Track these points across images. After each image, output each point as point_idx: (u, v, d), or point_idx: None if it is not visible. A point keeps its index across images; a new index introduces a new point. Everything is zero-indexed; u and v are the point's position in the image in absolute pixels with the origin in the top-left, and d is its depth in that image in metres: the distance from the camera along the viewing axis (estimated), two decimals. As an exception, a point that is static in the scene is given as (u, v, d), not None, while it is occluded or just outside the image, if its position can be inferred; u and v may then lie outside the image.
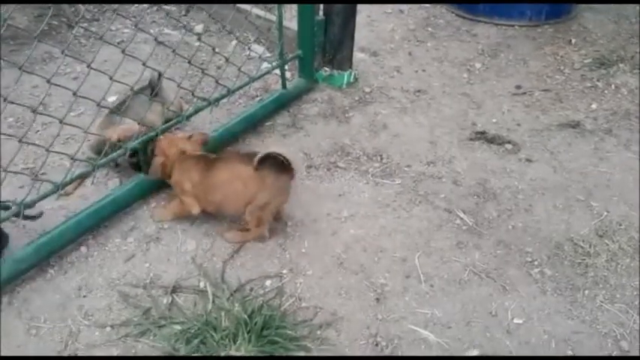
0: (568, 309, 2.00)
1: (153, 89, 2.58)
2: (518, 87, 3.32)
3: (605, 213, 2.40)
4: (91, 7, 3.86)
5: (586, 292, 2.06)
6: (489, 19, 4.05)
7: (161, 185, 2.44)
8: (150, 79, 2.60)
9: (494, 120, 3.01)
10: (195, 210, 2.22)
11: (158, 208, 2.38)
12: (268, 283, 2.08)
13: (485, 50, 3.71)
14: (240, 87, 2.82)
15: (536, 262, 2.17)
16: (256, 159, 2.04)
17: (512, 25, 4.01)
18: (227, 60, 2.77)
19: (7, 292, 2.01)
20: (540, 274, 2.13)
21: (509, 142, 2.81)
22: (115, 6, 3.87)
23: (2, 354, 1.84)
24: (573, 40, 3.83)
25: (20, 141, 1.89)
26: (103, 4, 3.91)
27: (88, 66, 2.03)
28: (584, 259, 2.18)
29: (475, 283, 2.09)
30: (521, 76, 3.44)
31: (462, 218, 2.36)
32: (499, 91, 3.28)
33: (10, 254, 2.06)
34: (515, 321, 1.95)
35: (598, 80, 3.38)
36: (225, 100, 2.88)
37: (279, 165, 2.05)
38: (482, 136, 2.85)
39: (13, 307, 1.97)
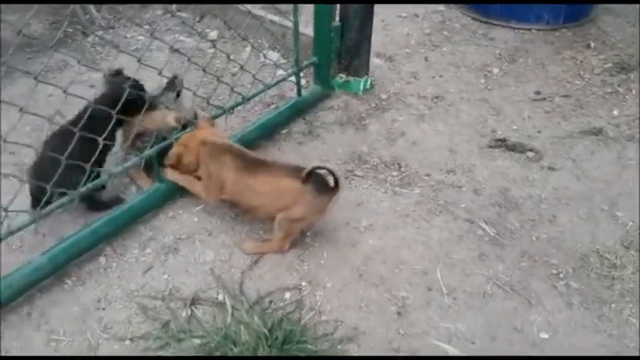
0: (595, 323, 1.96)
1: (178, 93, 2.57)
2: (537, 92, 3.27)
3: (631, 223, 2.35)
4: (106, 14, 3.86)
5: (613, 305, 2.02)
6: (506, 23, 3.99)
7: (178, 194, 2.43)
8: (169, 82, 2.58)
9: (514, 127, 2.96)
10: (209, 200, 2.27)
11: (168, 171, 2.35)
12: (287, 295, 2.05)
13: (502, 55, 3.66)
14: (255, 94, 2.80)
15: (561, 275, 2.13)
16: (305, 172, 2.04)
17: (530, 29, 3.95)
18: (242, 67, 2.75)
19: (25, 303, 2.00)
20: (566, 286, 2.08)
21: (530, 150, 2.76)
22: (130, 13, 3.87)
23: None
24: (592, 44, 3.77)
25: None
26: (118, 12, 3.90)
27: (104, 75, 2.02)
28: (611, 271, 2.13)
29: (499, 297, 2.05)
30: (540, 81, 3.39)
31: (483, 229, 2.32)
32: (518, 97, 3.23)
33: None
34: (541, 335, 1.91)
35: (619, 85, 3.32)
36: (240, 108, 2.85)
37: (322, 182, 2.07)
38: (502, 143, 2.81)
39: (32, 319, 1.96)
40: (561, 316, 1.98)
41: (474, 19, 4.09)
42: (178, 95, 2.59)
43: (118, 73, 2.46)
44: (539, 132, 2.93)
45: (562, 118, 3.05)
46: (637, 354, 1.86)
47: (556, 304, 2.02)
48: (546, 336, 1.91)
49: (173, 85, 2.57)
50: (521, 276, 2.12)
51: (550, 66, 3.55)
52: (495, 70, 3.48)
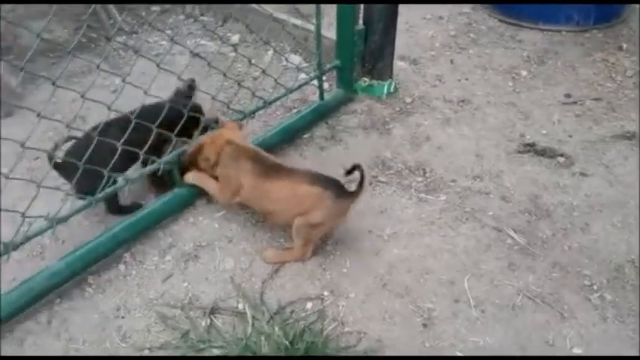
0: (630, 337, 1.87)
1: (190, 96, 2.55)
2: (567, 95, 3.16)
3: (668, 232, 2.24)
4: (129, 19, 3.86)
5: (649, 318, 1.92)
6: (534, 25, 3.88)
7: (198, 200, 2.40)
8: (179, 89, 2.56)
9: (543, 131, 2.86)
10: (222, 201, 2.25)
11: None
12: (309, 305, 2.00)
13: (531, 57, 3.55)
14: (277, 99, 2.76)
15: (595, 286, 2.04)
16: (349, 168, 2.06)
17: (559, 31, 3.84)
18: (264, 71, 2.71)
19: (45, 310, 1.99)
20: (600, 299, 1.99)
21: (561, 155, 2.66)
22: (153, 18, 3.86)
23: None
24: (624, 46, 3.64)
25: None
26: (141, 17, 3.91)
27: (124, 80, 2.00)
28: (647, 283, 2.03)
29: (529, 309, 1.96)
30: (570, 84, 3.28)
31: (512, 237, 2.24)
32: (548, 100, 3.13)
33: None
34: (575, 350, 1.83)
35: (653, 88, 3.20)
36: (261, 112, 2.81)
37: (340, 186, 2.05)
38: (531, 148, 2.71)
39: (52, 327, 1.95)
40: (595, 329, 1.90)
41: (501, 20, 3.99)
42: (190, 98, 2.57)
43: (192, 83, 2.49)
44: (570, 136, 2.83)
45: (593, 122, 2.94)
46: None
47: (590, 317, 1.94)
48: (580, 351, 1.83)
49: (189, 89, 2.55)
50: (552, 287, 2.04)
51: (580, 68, 3.44)
52: (523, 73, 3.38)
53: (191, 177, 2.32)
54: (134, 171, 2.29)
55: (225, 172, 2.20)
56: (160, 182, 2.43)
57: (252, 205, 2.23)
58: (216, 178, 2.26)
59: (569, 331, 1.89)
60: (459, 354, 1.82)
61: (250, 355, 1.78)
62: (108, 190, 2.11)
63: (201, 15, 4.03)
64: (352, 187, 2.05)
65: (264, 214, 2.22)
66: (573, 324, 1.91)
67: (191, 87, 2.58)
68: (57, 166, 2.14)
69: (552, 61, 3.51)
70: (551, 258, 2.15)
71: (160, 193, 2.41)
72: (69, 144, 2.22)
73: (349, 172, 2.06)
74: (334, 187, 2.05)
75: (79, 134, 2.18)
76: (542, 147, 2.72)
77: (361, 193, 2.05)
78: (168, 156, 2.26)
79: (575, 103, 3.10)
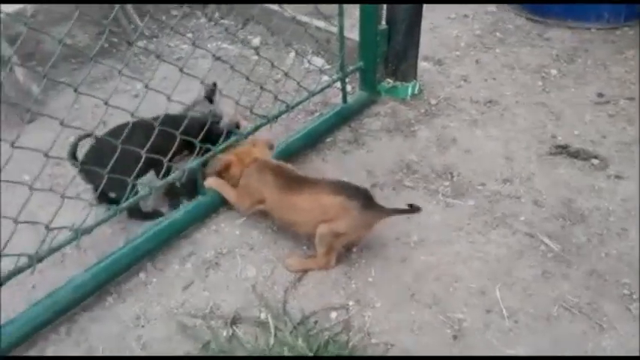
0: (674, 349, 1.76)
1: (211, 100, 2.52)
2: (600, 95, 3.04)
3: None
4: (150, 23, 3.85)
5: (694, 330, 1.81)
6: (563, 22, 3.77)
7: (219, 209, 2.36)
8: (198, 97, 2.54)
9: (576, 132, 2.75)
10: (246, 205, 2.22)
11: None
12: (334, 315, 1.93)
13: (560, 55, 3.44)
14: (300, 102, 2.70)
15: (634, 295, 1.93)
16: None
17: (589, 28, 3.71)
18: (286, 74, 2.65)
19: (65, 320, 1.96)
20: (641, 309, 1.89)
21: (595, 157, 2.55)
22: (174, 22, 3.85)
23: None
24: (658, 43, 3.51)
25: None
26: (162, 22, 3.90)
27: (146, 86, 1.96)
28: (691, 292, 1.92)
29: (566, 320, 1.87)
30: (602, 82, 3.16)
31: (546, 244, 2.14)
32: (579, 100, 3.01)
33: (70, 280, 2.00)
34: (615, 364, 1.73)
35: (689, 86, 3.06)
36: (283, 116, 2.76)
37: (368, 198, 2.01)
38: (564, 150, 2.61)
39: (72, 338, 1.92)
40: (636, 341, 1.79)
41: (527, 19, 3.89)
42: (211, 101, 2.54)
43: (214, 86, 2.47)
44: (604, 137, 2.72)
45: (627, 122, 2.82)
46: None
47: (629, 329, 1.83)
48: (620, 364, 1.73)
49: (212, 93, 2.52)
50: (590, 297, 1.93)
51: (612, 66, 3.31)
52: (553, 72, 3.27)
53: (212, 182, 2.30)
54: (158, 180, 2.26)
55: (246, 181, 2.20)
56: (173, 192, 2.41)
57: (275, 216, 2.19)
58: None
59: (609, 342, 1.79)
60: (491, 367, 1.74)
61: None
62: (132, 199, 2.08)
63: (222, 18, 4.01)
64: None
65: (288, 225, 2.17)
66: (612, 335, 1.81)
67: (212, 91, 2.54)
68: (79, 168, 2.14)
69: (582, 60, 3.40)
70: (587, 265, 2.05)
71: (173, 202, 2.40)
72: (85, 143, 2.22)
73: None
74: (361, 197, 1.99)
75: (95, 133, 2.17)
76: (575, 148, 2.61)
77: (392, 214, 2.03)
78: (192, 164, 2.22)
79: (607, 102, 2.99)
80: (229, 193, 2.27)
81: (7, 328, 1.82)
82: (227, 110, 2.60)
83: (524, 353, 1.77)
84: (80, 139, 2.19)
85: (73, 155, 2.16)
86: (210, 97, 2.54)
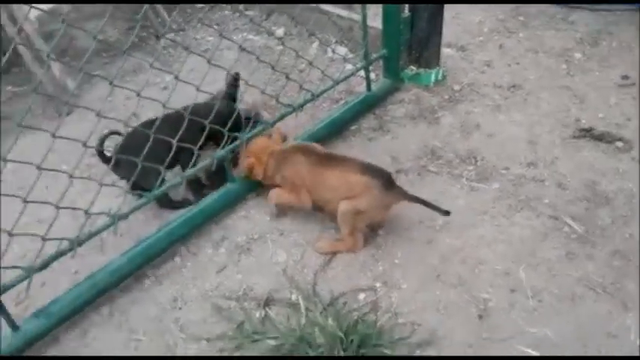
0: (699, 328, 1.79)
1: (231, 94, 2.56)
2: (624, 77, 3.03)
3: None
4: (177, 17, 3.93)
5: None
6: (587, 5, 3.73)
7: (248, 194, 2.44)
8: (230, 80, 2.58)
9: (600, 115, 2.76)
10: (308, 204, 2.23)
11: (270, 204, 2.36)
12: (361, 296, 2.00)
13: (584, 38, 3.42)
14: (324, 91, 2.74)
15: (659, 275, 1.95)
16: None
17: (613, 11, 3.67)
18: (310, 63, 2.71)
19: (106, 303, 2.06)
20: (664, 288, 1.91)
21: (619, 140, 2.56)
22: (200, 15, 3.93)
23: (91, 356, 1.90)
24: (685, 23, 3.46)
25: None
26: (188, 15, 3.98)
27: (176, 77, 2.04)
28: None
29: (590, 299, 1.90)
30: (627, 65, 3.14)
31: (570, 226, 2.17)
32: (603, 83, 3.01)
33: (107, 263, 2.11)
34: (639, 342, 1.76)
35: None
36: (309, 104, 2.81)
37: (389, 180, 2.08)
38: (588, 133, 2.62)
39: (114, 319, 2.02)
40: (661, 319, 1.83)
41: (550, 2, 3.86)
42: (235, 91, 2.60)
43: (236, 75, 2.53)
44: (629, 120, 2.72)
45: (653, 104, 2.82)
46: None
47: (655, 308, 1.86)
48: (644, 342, 1.76)
49: (235, 82, 2.57)
50: (614, 277, 1.97)
51: (637, 48, 3.28)
52: (577, 55, 3.26)
53: (274, 197, 2.31)
54: (186, 170, 2.34)
55: (286, 176, 2.25)
56: (198, 183, 2.49)
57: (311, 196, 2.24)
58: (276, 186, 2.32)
59: (633, 321, 1.83)
60: (517, 346, 1.78)
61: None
62: (163, 187, 2.16)
63: (246, 10, 4.07)
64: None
65: (321, 204, 2.23)
66: (636, 314, 1.85)
67: (236, 79, 2.60)
68: (108, 161, 2.24)
69: (607, 42, 3.37)
70: (611, 246, 2.08)
71: (197, 193, 2.46)
72: (114, 139, 2.31)
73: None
74: (383, 178, 2.06)
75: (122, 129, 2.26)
76: (599, 132, 2.62)
77: (412, 200, 2.08)
78: (221, 152, 2.28)
79: (632, 84, 2.97)
80: (290, 198, 2.27)
81: (52, 307, 1.93)
82: (247, 99, 2.65)
83: (549, 332, 1.82)
84: (107, 135, 2.28)
85: (101, 152, 2.26)
86: (233, 87, 2.59)
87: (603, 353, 1.74)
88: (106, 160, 2.28)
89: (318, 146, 2.27)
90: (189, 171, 2.26)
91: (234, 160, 2.39)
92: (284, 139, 2.43)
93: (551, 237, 2.14)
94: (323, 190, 2.16)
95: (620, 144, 2.55)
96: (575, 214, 2.22)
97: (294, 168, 2.21)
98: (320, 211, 2.27)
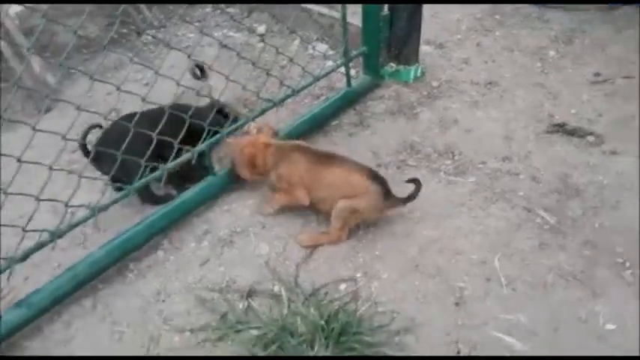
0: (665, 313, 1.87)
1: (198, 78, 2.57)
2: (597, 74, 3.13)
3: (702, 208, 2.22)
4: (158, 13, 3.94)
5: (684, 295, 1.91)
6: (561, 4, 3.83)
7: (231, 187, 2.47)
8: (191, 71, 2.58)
9: (573, 111, 2.84)
10: (306, 201, 2.24)
11: (260, 204, 2.40)
12: (343, 287, 2.05)
13: (558, 37, 3.51)
14: (305, 87, 2.79)
15: (627, 264, 2.04)
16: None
17: (587, 9, 3.78)
18: (291, 60, 2.75)
19: (90, 295, 2.09)
20: (632, 276, 1.99)
21: (590, 134, 2.65)
22: (181, 11, 3.94)
23: (89, 356, 1.91)
24: (656, 21, 3.57)
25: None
26: (169, 11, 3.98)
27: (156, 72, 2.06)
28: (681, 260, 2.02)
29: (561, 287, 1.98)
30: (599, 63, 3.24)
31: (543, 217, 2.24)
32: (576, 80, 3.10)
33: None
34: (608, 327, 1.84)
35: (686, 63, 3.14)
36: (290, 100, 2.86)
37: (387, 187, 2.15)
38: (560, 128, 2.70)
39: (98, 311, 2.04)
40: (628, 306, 1.90)
41: (526, 1, 3.95)
42: (199, 79, 2.63)
43: (201, 68, 2.54)
44: (600, 115, 2.81)
45: (623, 101, 2.90)
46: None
47: (622, 294, 1.94)
48: (613, 327, 1.84)
49: (201, 71, 2.60)
50: (584, 265, 2.04)
51: (610, 46, 3.38)
52: (551, 53, 3.35)
53: (276, 202, 2.35)
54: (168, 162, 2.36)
55: (281, 174, 2.26)
56: (178, 177, 2.49)
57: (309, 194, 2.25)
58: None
59: (602, 308, 1.90)
60: (492, 332, 1.85)
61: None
62: (143, 179, 2.17)
63: (227, 7, 4.09)
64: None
65: (315, 201, 2.25)
66: (606, 301, 1.92)
67: (201, 69, 2.61)
68: (89, 155, 2.25)
69: (580, 40, 3.47)
70: (582, 236, 2.15)
71: (179, 187, 2.47)
72: (95, 132, 2.33)
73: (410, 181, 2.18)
74: (383, 185, 2.14)
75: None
76: (571, 127, 2.70)
77: (404, 203, 2.17)
78: (201, 146, 2.31)
79: (604, 81, 3.07)
80: (289, 200, 2.29)
81: (33, 297, 1.95)
82: (218, 86, 2.66)
83: (522, 319, 1.88)
84: (90, 129, 2.30)
85: (83, 145, 2.27)
86: (197, 76, 2.59)
87: (574, 337, 1.81)
88: (88, 153, 2.28)
89: (307, 145, 2.31)
90: (170, 165, 2.28)
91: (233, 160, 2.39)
92: (275, 133, 2.45)
93: (524, 228, 2.21)
94: (320, 188, 2.19)
95: (591, 138, 2.63)
96: (547, 206, 2.29)
97: (292, 166, 2.23)
98: (312, 207, 2.30)
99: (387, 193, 2.14)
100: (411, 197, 2.16)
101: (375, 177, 2.14)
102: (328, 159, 2.20)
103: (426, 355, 1.81)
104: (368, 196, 2.11)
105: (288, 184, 2.26)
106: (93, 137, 2.33)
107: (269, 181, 2.35)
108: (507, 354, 1.79)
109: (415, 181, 2.17)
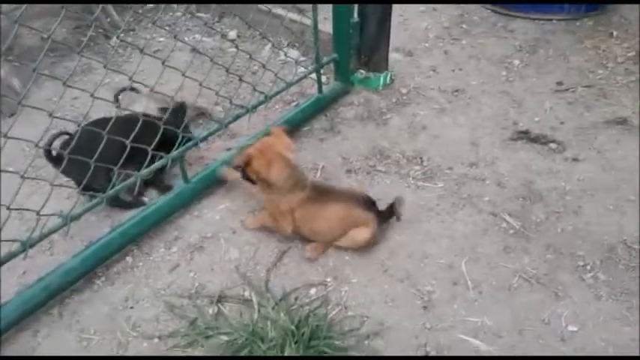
0: (624, 315, 1.94)
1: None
2: (559, 83, 3.23)
3: (659, 213, 2.31)
4: (127, 16, 3.90)
5: (642, 297, 1.99)
6: (526, 14, 3.94)
7: (201, 195, 2.47)
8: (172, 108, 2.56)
9: (536, 118, 2.93)
10: (289, 231, 2.18)
11: (248, 217, 2.38)
12: (313, 291, 2.07)
13: (523, 46, 3.61)
14: (277, 93, 2.80)
15: (588, 267, 2.10)
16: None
17: (550, 20, 3.89)
18: (264, 66, 2.76)
19: (56, 304, 2.05)
20: (594, 278, 2.06)
21: (553, 141, 2.73)
22: (150, 15, 3.91)
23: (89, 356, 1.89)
24: (615, 33, 3.70)
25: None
26: (139, 15, 3.95)
27: (130, 78, 2.05)
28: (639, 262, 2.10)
29: (525, 290, 2.03)
30: (562, 72, 3.34)
31: (508, 222, 2.30)
32: (540, 89, 3.19)
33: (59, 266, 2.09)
34: (570, 328, 1.90)
35: (643, 74, 3.26)
36: (261, 106, 2.86)
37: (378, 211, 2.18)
38: (524, 135, 2.78)
39: (64, 320, 2.01)
40: (590, 308, 1.96)
41: (492, 11, 4.05)
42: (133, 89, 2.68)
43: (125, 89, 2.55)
44: (562, 123, 2.89)
45: (585, 109, 3.00)
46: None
47: (584, 297, 2.00)
48: (575, 329, 1.90)
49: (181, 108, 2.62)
50: (547, 268, 2.11)
51: (572, 56, 3.50)
52: (516, 62, 3.44)
53: (259, 220, 2.32)
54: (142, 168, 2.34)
55: (274, 200, 2.17)
56: (152, 183, 2.50)
57: (301, 226, 2.18)
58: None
59: (564, 310, 1.96)
60: (459, 335, 1.89)
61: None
62: (118, 187, 2.13)
63: (198, 11, 4.08)
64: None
65: (309, 234, 2.20)
66: (568, 303, 1.98)
67: (182, 106, 2.62)
68: (55, 161, 2.21)
69: (544, 50, 3.57)
70: (545, 240, 2.22)
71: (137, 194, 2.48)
72: (62, 139, 2.29)
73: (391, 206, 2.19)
74: (376, 212, 2.17)
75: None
76: (535, 134, 2.78)
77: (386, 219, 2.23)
78: (174, 153, 2.30)
79: (566, 90, 3.17)
80: (270, 222, 2.25)
81: (3, 309, 1.90)
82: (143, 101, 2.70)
83: (488, 321, 1.93)
84: (56, 136, 2.25)
85: (48, 152, 2.21)
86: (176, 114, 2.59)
87: (537, 339, 1.87)
88: (53, 160, 2.24)
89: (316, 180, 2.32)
90: (145, 172, 2.26)
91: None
92: (285, 132, 2.24)
93: (490, 232, 2.27)
94: (317, 222, 2.14)
95: (553, 145, 2.71)
96: (512, 211, 2.36)
97: (289, 198, 2.12)
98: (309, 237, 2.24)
99: (380, 220, 2.18)
100: (398, 217, 2.18)
101: (374, 209, 2.16)
102: (327, 194, 2.15)
103: (396, 355, 1.84)
104: (371, 227, 2.13)
105: (276, 210, 2.17)
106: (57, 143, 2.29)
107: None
108: (474, 356, 1.83)
109: (397, 200, 2.17)
